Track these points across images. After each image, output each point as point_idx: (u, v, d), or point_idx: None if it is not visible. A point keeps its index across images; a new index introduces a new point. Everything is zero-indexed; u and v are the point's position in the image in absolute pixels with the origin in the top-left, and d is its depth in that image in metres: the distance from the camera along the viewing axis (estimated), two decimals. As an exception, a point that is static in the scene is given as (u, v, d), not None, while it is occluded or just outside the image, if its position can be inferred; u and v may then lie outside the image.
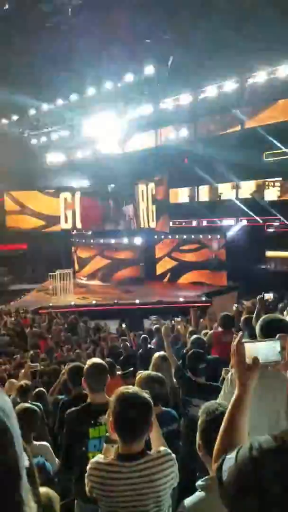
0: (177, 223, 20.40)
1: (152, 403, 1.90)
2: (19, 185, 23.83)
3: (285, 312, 6.73)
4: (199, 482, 1.69)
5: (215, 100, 17.20)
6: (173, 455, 2.02)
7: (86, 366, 2.84)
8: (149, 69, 15.39)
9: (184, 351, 4.99)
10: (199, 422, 1.83)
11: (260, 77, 15.50)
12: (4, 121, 21.31)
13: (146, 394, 1.91)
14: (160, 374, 3.04)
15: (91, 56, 15.50)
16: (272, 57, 14.60)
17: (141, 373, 3.05)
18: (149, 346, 7.43)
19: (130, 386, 2.05)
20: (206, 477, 1.67)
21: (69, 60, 16.01)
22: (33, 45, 15.42)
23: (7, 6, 13.73)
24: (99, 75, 16.38)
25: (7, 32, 14.74)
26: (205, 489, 1.65)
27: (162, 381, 2.96)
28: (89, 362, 2.90)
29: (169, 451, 2.03)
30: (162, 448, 2.01)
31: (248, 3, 12.85)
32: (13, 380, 5.57)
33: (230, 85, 16.59)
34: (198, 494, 1.67)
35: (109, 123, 20.48)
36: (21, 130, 22.46)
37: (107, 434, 2.07)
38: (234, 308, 10.52)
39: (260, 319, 2.50)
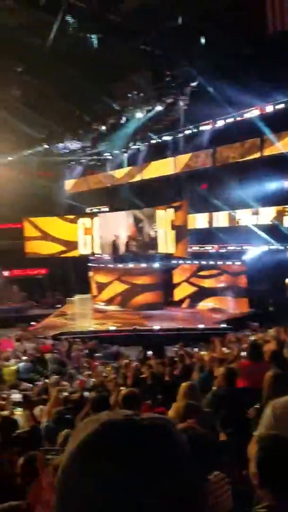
0: (195, 248, 20.34)
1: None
2: (39, 212, 24.33)
3: None
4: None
5: (235, 127, 17.52)
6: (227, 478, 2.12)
7: (120, 396, 2.84)
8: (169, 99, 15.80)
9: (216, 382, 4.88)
10: (255, 449, 1.79)
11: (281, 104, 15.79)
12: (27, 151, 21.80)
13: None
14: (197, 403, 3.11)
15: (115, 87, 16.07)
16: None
17: (179, 403, 3.06)
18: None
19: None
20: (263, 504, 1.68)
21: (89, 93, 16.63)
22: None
23: None
24: (124, 107, 16.87)
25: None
26: None
27: (200, 411, 3.00)
28: (122, 392, 2.91)
29: (223, 474, 2.12)
30: (216, 472, 2.10)
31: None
32: (42, 407, 5.52)
33: (250, 112, 16.89)
34: None
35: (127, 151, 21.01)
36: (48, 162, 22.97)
37: None
38: (252, 337, 10.35)
39: None
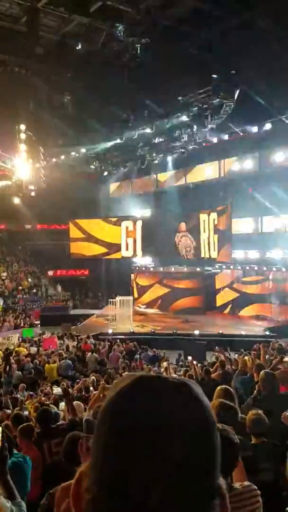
0: (239, 253, 19.92)
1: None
2: (83, 213, 24.83)
3: None
4: None
5: (281, 131, 17.05)
6: (258, 491, 1.95)
7: None
8: (215, 102, 15.66)
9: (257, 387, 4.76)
10: None
11: None
12: (73, 154, 22.32)
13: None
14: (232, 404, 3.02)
15: (160, 92, 16.12)
16: None
17: (213, 401, 3.04)
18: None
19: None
20: None
21: (134, 99, 16.78)
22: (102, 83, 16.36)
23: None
24: (167, 110, 16.90)
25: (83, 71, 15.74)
26: None
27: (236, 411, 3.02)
28: None
29: (254, 485, 1.96)
30: (247, 483, 1.94)
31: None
32: (79, 403, 5.60)
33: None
34: None
35: (172, 156, 21.01)
36: (92, 164, 23.41)
37: None
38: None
39: None
